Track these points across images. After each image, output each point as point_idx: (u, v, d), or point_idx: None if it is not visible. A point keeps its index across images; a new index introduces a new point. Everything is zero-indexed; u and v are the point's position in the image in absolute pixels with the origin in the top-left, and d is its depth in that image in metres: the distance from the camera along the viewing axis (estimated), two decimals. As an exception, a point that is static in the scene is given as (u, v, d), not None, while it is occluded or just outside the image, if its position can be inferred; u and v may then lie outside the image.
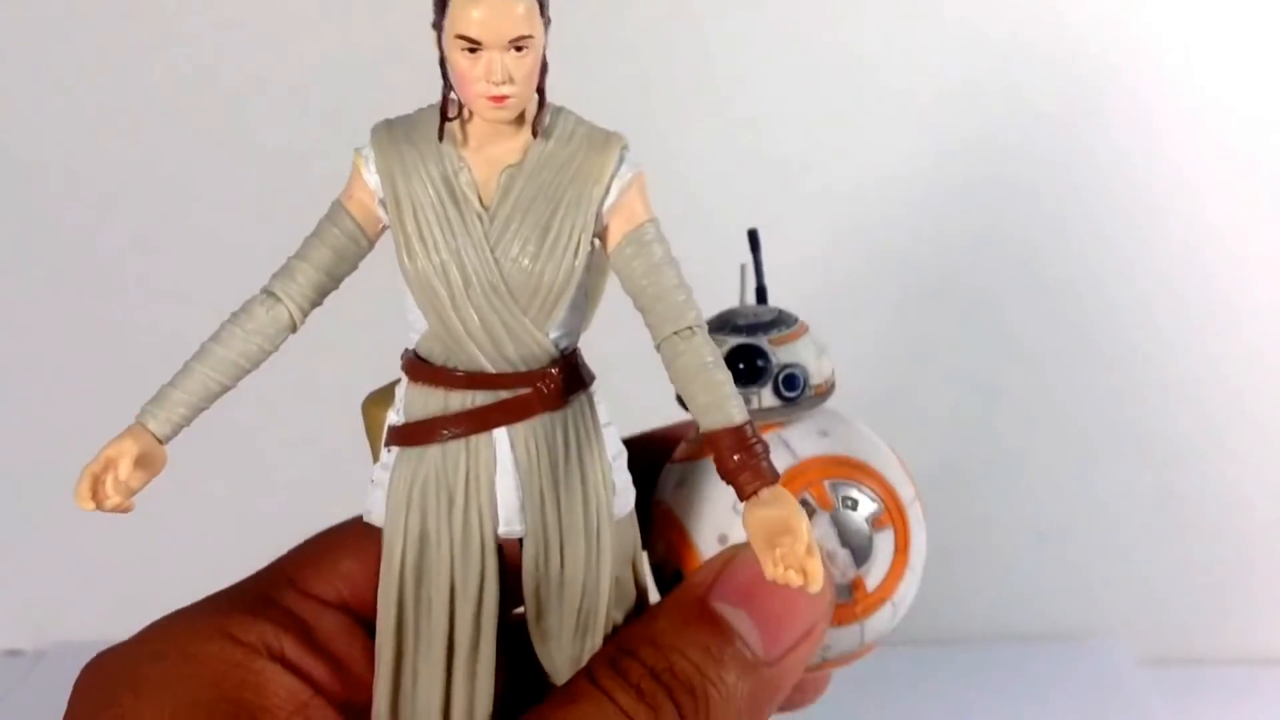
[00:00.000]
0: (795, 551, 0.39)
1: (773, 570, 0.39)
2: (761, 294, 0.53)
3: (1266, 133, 0.82)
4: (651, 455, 0.51)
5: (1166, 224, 0.85)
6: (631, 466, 0.46)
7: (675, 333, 0.42)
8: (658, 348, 0.42)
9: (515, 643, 0.46)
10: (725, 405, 0.41)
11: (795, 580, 0.39)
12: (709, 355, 0.41)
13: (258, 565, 0.85)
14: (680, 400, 0.48)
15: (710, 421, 0.41)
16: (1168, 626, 0.89)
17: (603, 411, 0.45)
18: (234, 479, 0.89)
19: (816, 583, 0.39)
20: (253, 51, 0.83)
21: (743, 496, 0.41)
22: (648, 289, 0.42)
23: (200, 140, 0.85)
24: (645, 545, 0.49)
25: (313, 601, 0.48)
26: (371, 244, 0.43)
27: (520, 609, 0.46)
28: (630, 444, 0.46)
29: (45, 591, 0.91)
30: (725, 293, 0.52)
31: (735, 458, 0.40)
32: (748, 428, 0.41)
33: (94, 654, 0.85)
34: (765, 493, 0.40)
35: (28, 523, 0.90)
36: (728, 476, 0.41)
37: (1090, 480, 0.88)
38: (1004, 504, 0.89)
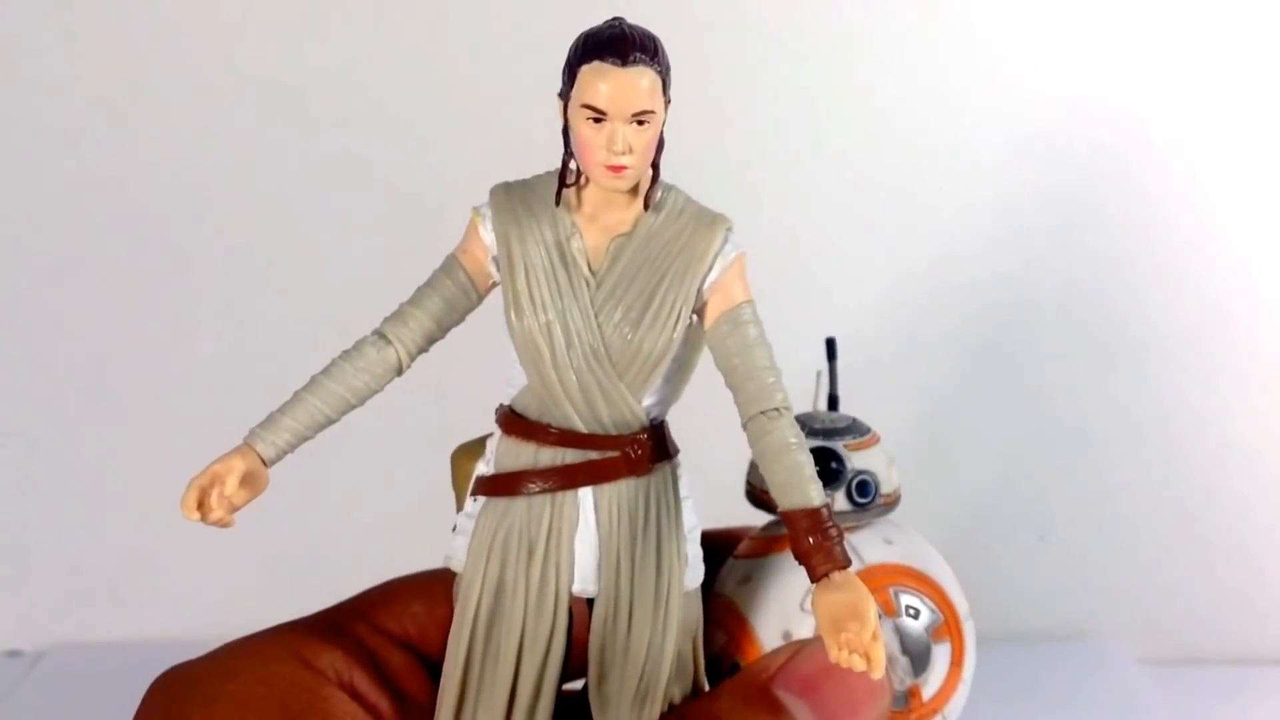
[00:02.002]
0: (861, 637, 0.39)
1: (836, 654, 0.39)
2: (834, 402, 0.54)
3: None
4: (712, 552, 0.52)
5: (1167, 225, 0.85)
6: None
7: (762, 412, 0.42)
8: (744, 426, 0.43)
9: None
10: (805, 487, 0.42)
11: (859, 665, 0.39)
12: (793, 437, 0.42)
13: (256, 574, 0.86)
14: (750, 496, 0.49)
15: (789, 501, 0.42)
16: (1168, 626, 0.89)
17: (684, 484, 0.46)
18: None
19: (879, 669, 0.39)
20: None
21: (814, 578, 0.41)
22: (739, 368, 0.43)
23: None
24: (704, 636, 0.49)
25: (382, 637, 0.49)
26: (481, 298, 0.45)
27: (578, 683, 0.46)
28: None
29: (45, 591, 0.91)
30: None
31: (810, 539, 0.41)
32: (825, 511, 0.41)
33: (94, 654, 0.86)
34: (837, 576, 0.41)
35: (28, 523, 0.90)
36: (801, 558, 0.41)
37: (1090, 480, 0.88)
38: (1004, 504, 0.89)
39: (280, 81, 0.84)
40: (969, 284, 0.86)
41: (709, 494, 0.52)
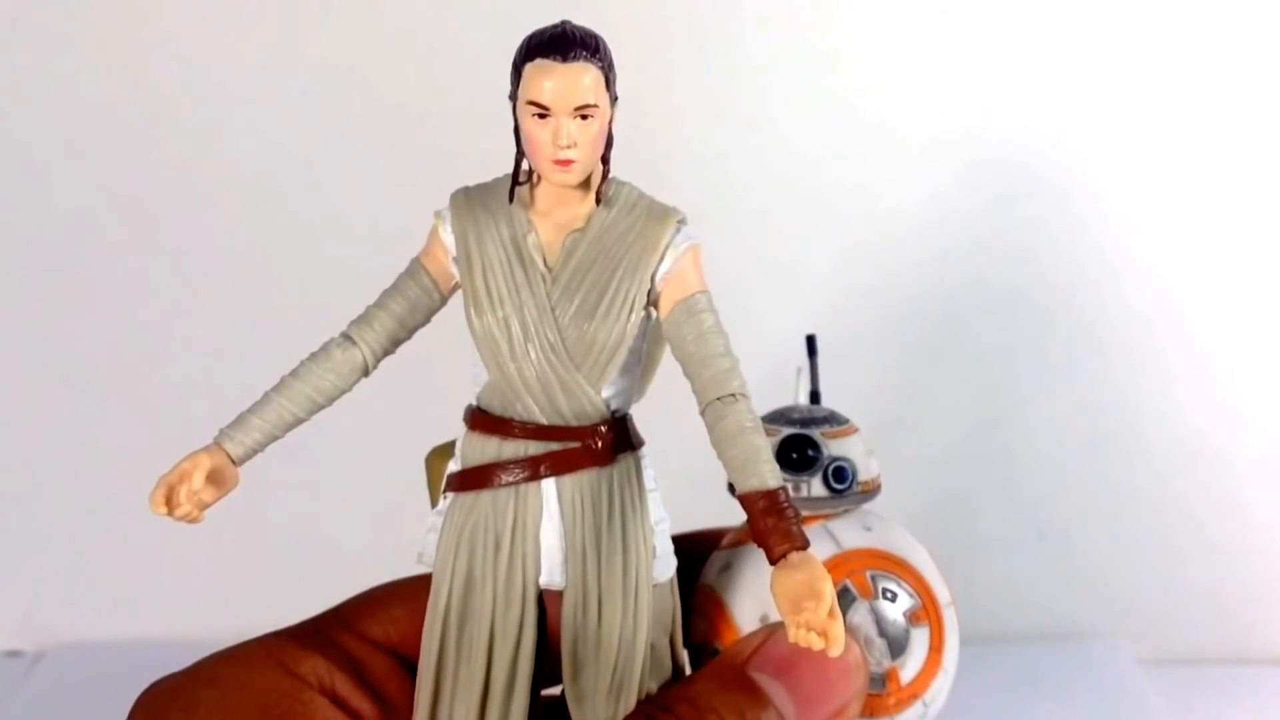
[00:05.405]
0: (818, 615, 0.39)
1: (794, 633, 0.39)
2: (815, 397, 0.54)
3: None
4: (699, 549, 0.53)
5: (1160, 229, 0.86)
6: (679, 558, 0.47)
7: (719, 398, 0.43)
8: (702, 413, 0.43)
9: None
10: (761, 469, 0.42)
11: (816, 643, 0.39)
12: (749, 421, 0.43)
13: (256, 574, 0.86)
14: (731, 490, 0.49)
15: (746, 484, 0.42)
16: (1168, 626, 0.89)
17: (649, 477, 0.46)
18: (255, 498, 0.89)
19: (837, 646, 0.39)
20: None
21: (772, 559, 0.41)
22: (694, 355, 0.43)
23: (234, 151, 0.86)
24: (687, 628, 0.49)
25: (365, 643, 0.50)
26: (444, 299, 0.46)
27: (557, 690, 0.47)
28: (678, 540, 0.47)
29: (45, 592, 0.91)
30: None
31: (767, 520, 0.41)
32: (781, 493, 0.42)
33: (94, 654, 0.86)
34: (794, 556, 0.41)
35: (28, 524, 0.90)
36: (758, 538, 0.41)
37: (1090, 480, 0.88)
38: (1004, 504, 0.89)
39: (280, 81, 0.84)
40: (969, 285, 0.86)
41: (694, 494, 0.53)
